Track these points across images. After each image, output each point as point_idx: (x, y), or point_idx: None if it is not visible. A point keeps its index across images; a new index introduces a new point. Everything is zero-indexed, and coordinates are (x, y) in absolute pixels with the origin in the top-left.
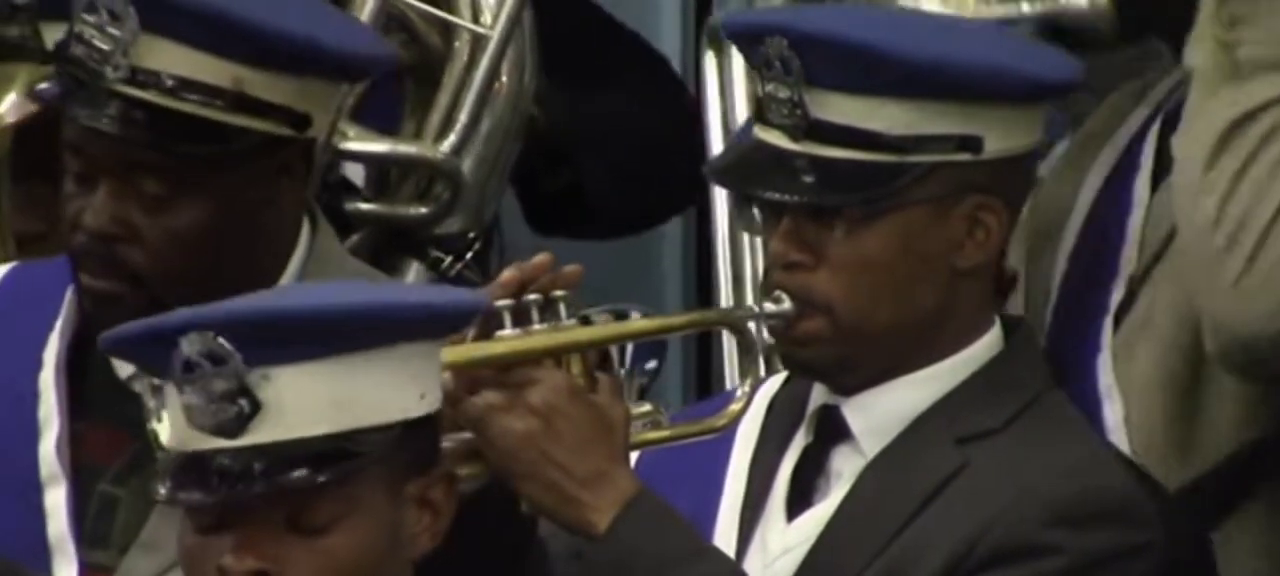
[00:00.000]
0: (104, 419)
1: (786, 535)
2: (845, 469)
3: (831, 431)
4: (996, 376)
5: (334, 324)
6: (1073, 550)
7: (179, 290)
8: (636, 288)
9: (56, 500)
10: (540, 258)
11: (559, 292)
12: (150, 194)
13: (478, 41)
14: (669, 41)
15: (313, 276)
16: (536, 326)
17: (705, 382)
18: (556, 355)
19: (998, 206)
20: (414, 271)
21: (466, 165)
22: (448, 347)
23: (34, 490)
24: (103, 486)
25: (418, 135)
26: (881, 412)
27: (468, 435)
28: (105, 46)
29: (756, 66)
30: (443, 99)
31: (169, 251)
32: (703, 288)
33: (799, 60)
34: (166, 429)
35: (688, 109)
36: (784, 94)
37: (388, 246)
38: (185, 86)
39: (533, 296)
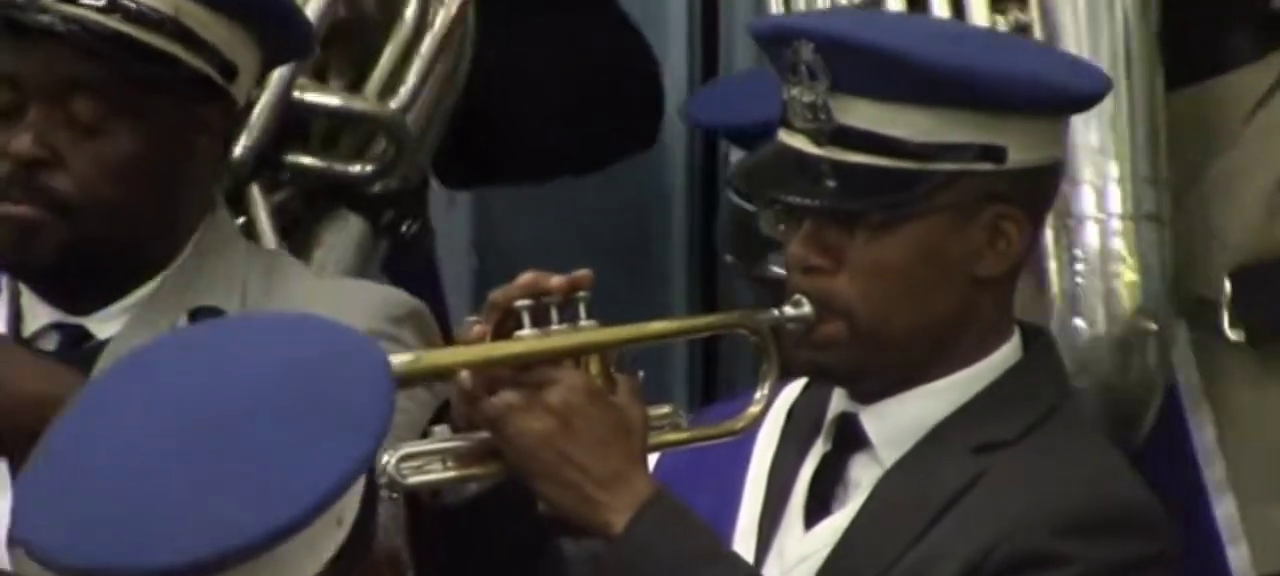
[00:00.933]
0: None
1: (804, 542)
2: (863, 477)
3: (850, 439)
4: (1015, 386)
5: None
6: (1087, 560)
7: (99, 224)
8: (640, 292)
9: None
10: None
11: (580, 293)
12: (80, 119)
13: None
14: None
15: (212, 250)
16: (555, 326)
17: (710, 387)
18: (575, 355)
19: (1019, 216)
20: (353, 224)
21: (410, 120)
22: (466, 347)
23: None
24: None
25: (351, 91)
26: (899, 421)
27: (485, 434)
28: None
29: (782, 70)
30: (387, 55)
31: (94, 179)
32: (708, 296)
33: (825, 65)
34: None
35: (635, 41)
36: (809, 98)
37: (322, 198)
38: (128, 6)
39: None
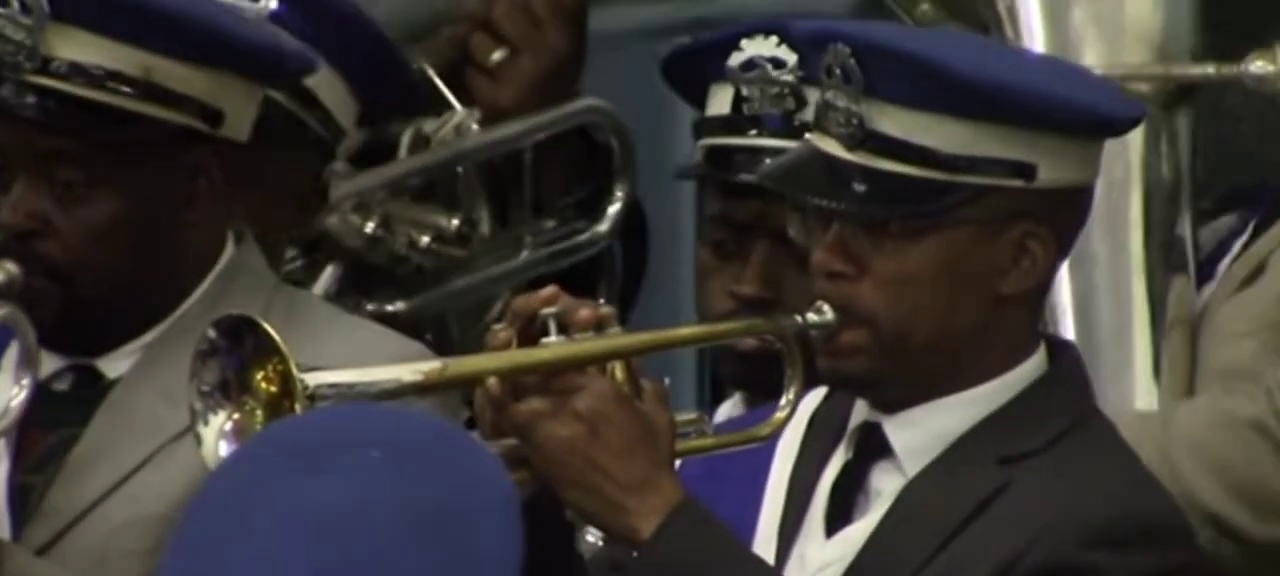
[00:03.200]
0: (33, 421)
1: (825, 550)
2: (885, 486)
3: (873, 448)
4: (1040, 399)
5: None
6: (1113, 571)
7: (95, 285)
8: (651, 303)
9: None
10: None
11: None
12: (65, 184)
13: None
14: None
15: (233, 290)
16: (581, 334)
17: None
18: (602, 362)
19: (1046, 236)
20: None
21: None
22: (494, 354)
23: None
24: (22, 477)
25: None
26: (924, 431)
27: (512, 441)
28: (17, 38)
29: (816, 74)
30: None
31: (84, 244)
32: None
33: (861, 70)
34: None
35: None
36: (842, 103)
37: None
38: (95, 74)
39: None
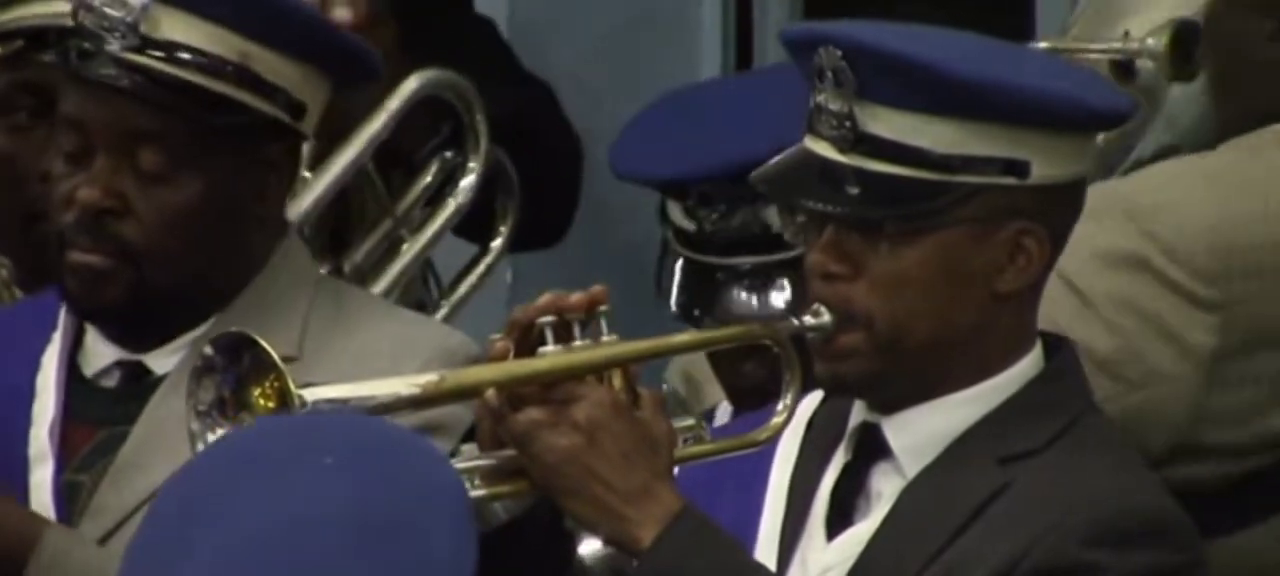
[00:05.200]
0: (79, 418)
1: (826, 554)
2: (885, 488)
3: (872, 449)
4: (1038, 397)
5: None
6: (1115, 569)
7: (164, 271)
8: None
9: (42, 478)
10: (577, 296)
11: (600, 309)
12: (147, 167)
13: None
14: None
15: (278, 287)
16: (578, 342)
17: None
18: (599, 371)
19: (1041, 233)
20: None
21: None
22: (490, 365)
23: (21, 470)
24: (67, 475)
25: None
26: (922, 432)
27: (511, 452)
28: (117, 13)
29: (809, 76)
30: None
31: (161, 227)
32: None
33: (852, 73)
34: None
35: (570, 135)
36: (835, 105)
37: None
38: (193, 56)
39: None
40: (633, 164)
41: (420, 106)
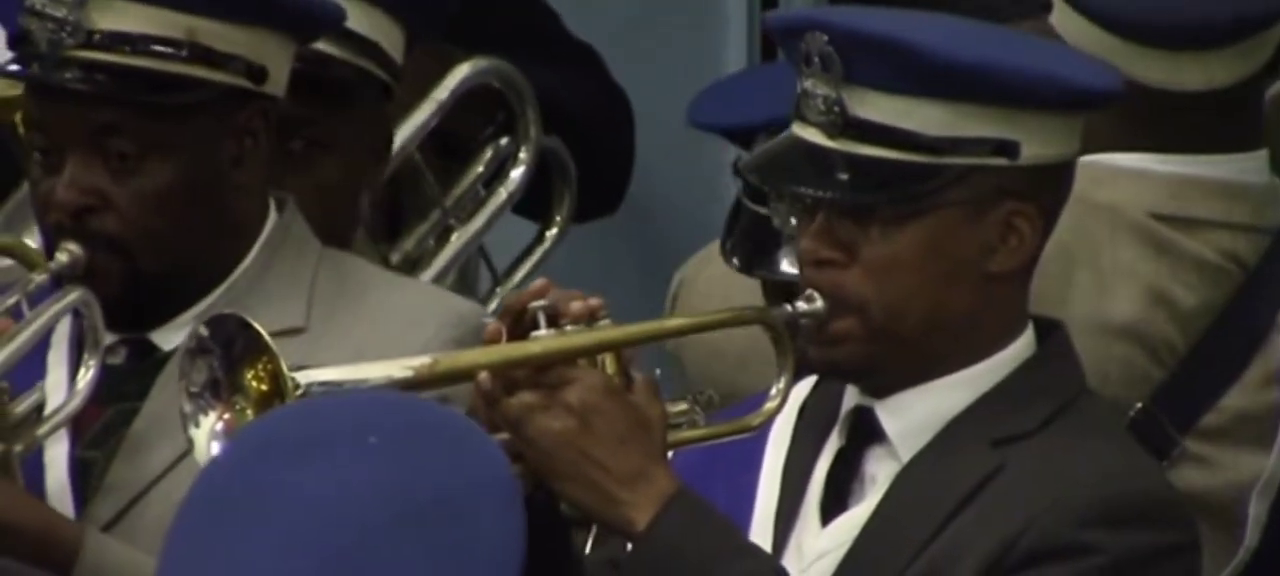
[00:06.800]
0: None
1: (821, 539)
2: (879, 472)
3: (865, 434)
4: (1031, 379)
5: None
6: (1111, 550)
7: (156, 255)
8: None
9: (56, 455)
10: (576, 304)
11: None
12: (118, 156)
13: None
14: (734, 46)
15: (280, 258)
16: (571, 326)
17: None
18: (592, 354)
19: (1032, 213)
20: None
21: None
22: (484, 349)
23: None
24: (80, 452)
25: None
26: (916, 415)
27: (505, 436)
28: (59, 14)
29: (796, 63)
30: None
31: (141, 214)
32: None
33: (839, 57)
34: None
35: (617, 99)
36: (822, 90)
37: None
38: (140, 42)
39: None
40: (705, 114)
41: (475, 94)
